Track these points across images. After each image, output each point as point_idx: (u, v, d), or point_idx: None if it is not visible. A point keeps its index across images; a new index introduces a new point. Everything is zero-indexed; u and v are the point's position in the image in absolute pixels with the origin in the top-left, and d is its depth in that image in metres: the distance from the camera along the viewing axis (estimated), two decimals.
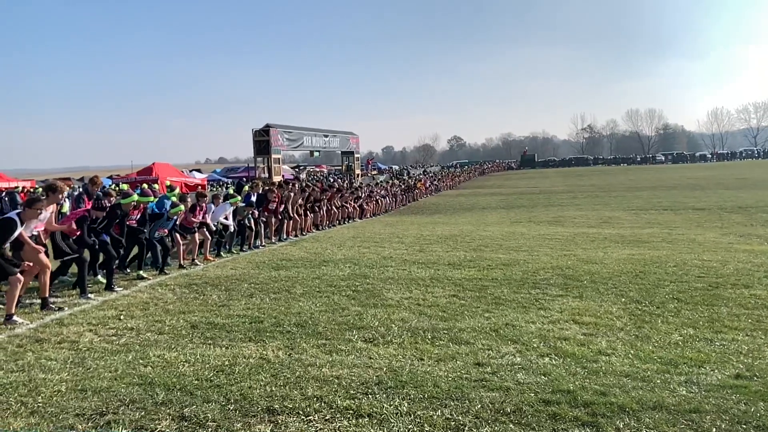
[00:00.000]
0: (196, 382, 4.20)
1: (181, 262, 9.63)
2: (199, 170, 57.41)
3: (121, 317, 6.28)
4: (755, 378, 4.05)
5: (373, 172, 55.22)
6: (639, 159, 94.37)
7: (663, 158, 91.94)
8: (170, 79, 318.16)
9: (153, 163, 34.54)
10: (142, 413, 3.67)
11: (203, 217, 10.28)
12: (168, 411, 3.70)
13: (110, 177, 47.26)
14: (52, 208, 7.20)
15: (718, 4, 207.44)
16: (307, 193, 15.85)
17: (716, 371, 4.21)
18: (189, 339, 5.36)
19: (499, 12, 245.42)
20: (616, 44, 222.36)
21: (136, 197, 8.85)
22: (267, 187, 13.38)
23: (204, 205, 10.35)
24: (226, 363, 4.62)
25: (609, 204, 22.14)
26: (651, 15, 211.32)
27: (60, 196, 7.31)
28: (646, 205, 20.60)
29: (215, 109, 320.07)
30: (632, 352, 4.69)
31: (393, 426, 3.44)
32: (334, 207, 17.42)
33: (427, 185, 36.09)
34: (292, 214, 14.08)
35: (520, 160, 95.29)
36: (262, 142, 31.26)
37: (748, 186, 28.51)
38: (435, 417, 3.53)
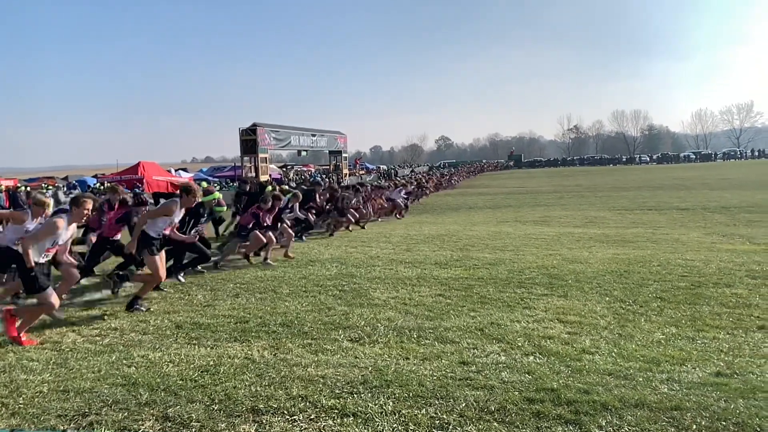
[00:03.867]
0: (180, 382, 4.18)
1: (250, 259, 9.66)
2: (185, 169, 57.06)
3: (105, 317, 6.23)
4: (735, 375, 4.11)
5: (361, 172, 55.16)
6: (624, 159, 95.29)
7: (648, 159, 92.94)
8: (157, 78, 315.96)
9: (139, 162, 34.27)
10: (125, 414, 3.64)
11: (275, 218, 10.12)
12: (151, 411, 3.67)
13: (95, 176, 46.92)
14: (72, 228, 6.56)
15: (702, 7, 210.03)
16: (361, 193, 16.14)
17: (697, 369, 4.26)
18: (174, 339, 5.33)
19: (488, 12, 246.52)
20: (603, 45, 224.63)
21: (218, 195, 9.05)
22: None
23: (278, 205, 10.16)
24: (211, 363, 4.60)
25: (594, 204, 22.31)
26: (637, 17, 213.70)
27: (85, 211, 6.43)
28: (631, 205, 20.78)
29: (202, 108, 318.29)
30: (615, 350, 4.73)
31: (378, 425, 3.45)
32: (376, 205, 17.45)
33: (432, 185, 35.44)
34: (348, 214, 14.40)
35: (507, 160, 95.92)
36: (249, 141, 31.10)
37: (731, 186, 28.87)
38: (420, 416, 3.54)
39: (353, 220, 14.89)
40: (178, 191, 7.15)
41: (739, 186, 28.86)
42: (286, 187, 17.06)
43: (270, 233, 9.77)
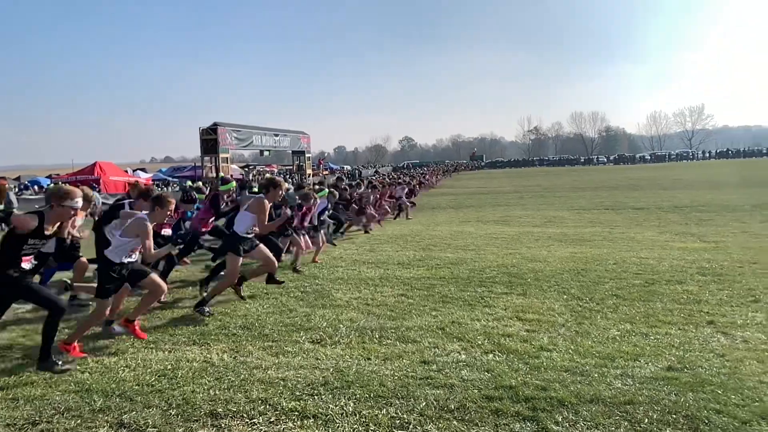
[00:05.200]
0: (136, 387, 4.08)
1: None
2: (144, 170, 55.70)
3: None
4: (685, 369, 4.25)
5: (325, 173, 54.91)
6: (583, 160, 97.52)
7: (605, 159, 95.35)
8: (114, 76, 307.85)
9: (95, 162, 33.36)
10: (78, 421, 3.54)
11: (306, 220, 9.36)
12: (106, 418, 3.58)
13: (49, 176, 45.42)
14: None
15: (658, 12, 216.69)
16: (378, 191, 15.79)
17: (650, 364, 4.39)
18: (130, 343, 5.20)
19: (449, 15, 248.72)
20: (562, 48, 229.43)
21: (234, 183, 8.76)
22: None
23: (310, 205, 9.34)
24: (169, 367, 4.51)
25: (553, 204, 22.75)
26: (596, 21, 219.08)
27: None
28: (589, 205, 21.26)
29: (162, 107, 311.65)
30: (572, 347, 4.84)
31: (338, 426, 3.44)
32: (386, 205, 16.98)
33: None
34: (370, 211, 14.16)
35: (469, 161, 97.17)
36: (210, 141, 30.66)
37: (684, 186, 29.83)
38: (380, 416, 3.55)
39: (375, 218, 14.46)
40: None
41: (691, 186, 29.85)
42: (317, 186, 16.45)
43: (306, 238, 9.18)
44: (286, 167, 56.91)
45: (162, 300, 6.40)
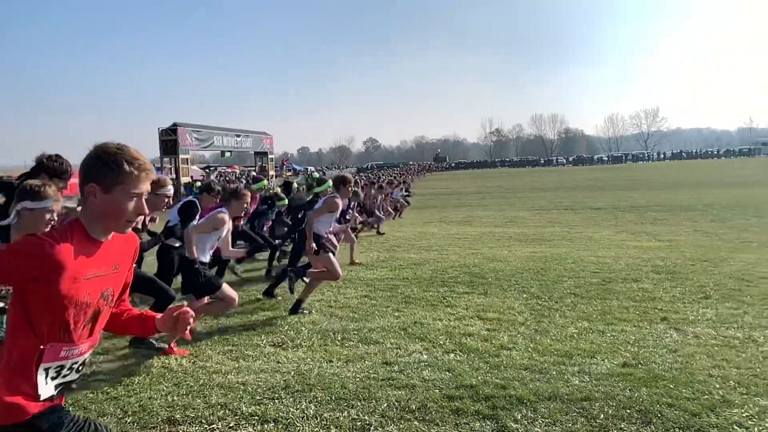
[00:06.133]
0: (90, 395, 3.97)
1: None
2: None
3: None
4: (639, 365, 4.37)
5: (288, 173, 54.48)
6: (543, 161, 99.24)
7: (564, 161, 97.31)
8: (69, 75, 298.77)
9: None
10: None
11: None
12: None
13: None
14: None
15: (616, 18, 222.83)
16: (384, 191, 15.44)
17: (606, 361, 4.50)
18: None
19: (415, 16, 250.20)
20: (523, 51, 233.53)
21: (266, 182, 8.39)
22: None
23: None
24: (125, 374, 4.40)
25: (514, 204, 23.10)
26: (557, 25, 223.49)
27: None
28: (548, 205, 21.68)
29: (119, 106, 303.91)
30: (531, 345, 4.92)
31: (299, 429, 3.42)
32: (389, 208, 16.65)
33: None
34: (378, 213, 13.95)
35: (433, 162, 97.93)
36: (169, 141, 30.02)
37: (640, 187, 30.68)
38: (341, 418, 3.54)
39: (384, 219, 14.27)
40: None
41: (647, 186, 30.74)
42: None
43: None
44: (249, 168, 56.25)
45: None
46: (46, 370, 1.77)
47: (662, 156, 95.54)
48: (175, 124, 30.45)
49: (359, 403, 3.75)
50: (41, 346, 1.75)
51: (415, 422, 3.48)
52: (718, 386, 3.88)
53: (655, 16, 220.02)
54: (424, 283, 7.62)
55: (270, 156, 44.01)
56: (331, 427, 3.45)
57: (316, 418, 3.56)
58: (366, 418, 3.54)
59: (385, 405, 3.71)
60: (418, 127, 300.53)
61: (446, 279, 7.88)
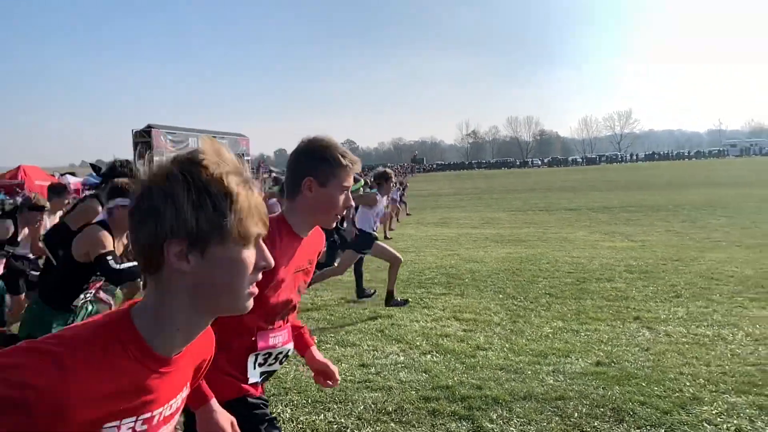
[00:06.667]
0: None
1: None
2: (73, 173, 53.03)
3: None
4: (612, 364, 4.43)
5: (265, 176, 54.11)
6: (518, 163, 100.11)
7: (540, 162, 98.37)
8: (41, 76, 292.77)
9: (19, 166, 31.57)
10: None
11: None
12: None
13: None
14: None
15: (591, 22, 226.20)
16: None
17: (580, 360, 4.55)
18: None
19: (395, 18, 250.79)
20: (499, 54, 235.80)
21: (363, 182, 8.74)
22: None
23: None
24: None
25: (491, 206, 23.30)
26: (532, 28, 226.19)
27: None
28: (524, 207, 21.89)
29: (92, 108, 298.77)
30: (507, 345, 4.96)
31: None
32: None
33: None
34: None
35: (410, 163, 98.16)
36: (143, 143, 29.60)
37: (613, 188, 31.16)
38: (318, 421, 3.53)
39: (391, 219, 14.23)
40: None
41: (620, 187, 31.23)
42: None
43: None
44: None
45: None
46: (256, 356, 1.86)
47: (635, 157, 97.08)
48: (149, 126, 30.07)
49: (336, 406, 3.74)
50: (252, 338, 1.83)
51: (392, 424, 3.48)
52: (688, 384, 3.96)
53: (627, 19, 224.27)
54: (401, 285, 7.61)
55: (246, 158, 43.65)
56: (308, 430, 3.43)
57: (293, 422, 3.53)
58: (342, 420, 3.54)
59: (362, 407, 3.70)
60: (395, 129, 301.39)
61: (423, 280, 7.91)
